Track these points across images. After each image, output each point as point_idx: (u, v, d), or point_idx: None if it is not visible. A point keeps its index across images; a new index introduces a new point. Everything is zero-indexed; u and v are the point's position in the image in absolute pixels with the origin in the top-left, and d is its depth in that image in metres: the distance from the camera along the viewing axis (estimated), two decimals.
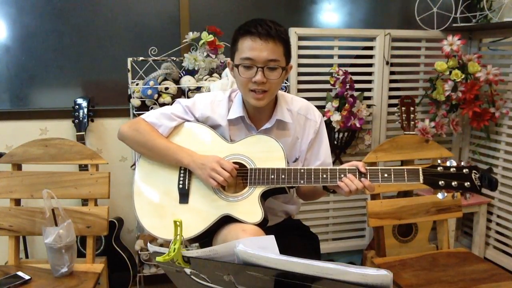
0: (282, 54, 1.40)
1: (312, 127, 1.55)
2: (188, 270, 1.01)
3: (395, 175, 1.34)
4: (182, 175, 1.47)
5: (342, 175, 1.36)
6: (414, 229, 2.44)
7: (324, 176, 1.37)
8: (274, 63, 1.38)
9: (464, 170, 1.30)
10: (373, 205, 1.87)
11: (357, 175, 1.35)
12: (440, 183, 1.31)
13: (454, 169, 1.31)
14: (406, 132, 2.35)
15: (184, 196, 1.45)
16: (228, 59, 1.49)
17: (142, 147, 1.50)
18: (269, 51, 1.36)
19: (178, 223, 1.00)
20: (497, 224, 2.64)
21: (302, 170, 1.39)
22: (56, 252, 1.57)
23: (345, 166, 1.38)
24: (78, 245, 2.08)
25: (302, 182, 1.38)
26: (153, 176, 1.50)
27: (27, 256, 2.34)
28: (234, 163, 1.41)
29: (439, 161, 1.34)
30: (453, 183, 1.30)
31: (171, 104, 1.73)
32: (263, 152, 1.43)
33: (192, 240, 1.46)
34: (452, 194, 1.32)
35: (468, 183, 1.29)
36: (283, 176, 1.39)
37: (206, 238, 1.44)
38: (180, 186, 1.46)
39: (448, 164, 1.32)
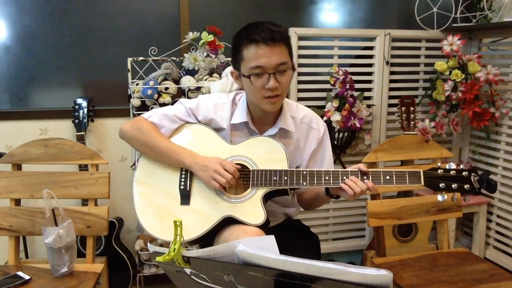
0: (288, 55, 1.39)
1: (315, 137, 1.54)
2: (188, 270, 1.01)
3: (396, 177, 1.35)
4: (183, 176, 1.47)
5: (345, 177, 1.36)
6: (414, 229, 2.44)
7: (327, 177, 1.37)
8: (283, 66, 1.37)
9: (464, 173, 1.32)
10: (373, 205, 1.87)
11: (359, 176, 1.35)
12: (440, 185, 1.32)
13: (454, 171, 1.33)
14: (406, 132, 2.35)
15: (185, 197, 1.44)
16: (231, 68, 1.46)
17: (144, 146, 1.50)
18: (277, 55, 1.35)
19: (178, 223, 1.00)
20: (497, 224, 2.64)
21: (304, 172, 1.39)
22: (56, 252, 1.56)
23: (348, 169, 1.38)
24: (78, 245, 2.08)
25: (304, 183, 1.38)
26: (153, 177, 1.49)
27: (27, 256, 2.34)
28: (236, 164, 1.41)
29: (439, 163, 1.36)
30: (453, 186, 1.32)
31: (171, 104, 1.72)
32: (265, 153, 1.43)
33: (194, 242, 1.44)
34: (452, 196, 1.34)
35: (468, 185, 1.31)
36: (285, 178, 1.39)
37: (208, 239, 1.43)
38: (182, 187, 1.45)
39: (447, 167, 1.34)
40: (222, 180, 1.36)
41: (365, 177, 1.35)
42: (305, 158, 1.55)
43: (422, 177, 1.34)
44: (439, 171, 1.33)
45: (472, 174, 1.32)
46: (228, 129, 1.50)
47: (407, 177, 1.34)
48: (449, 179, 1.32)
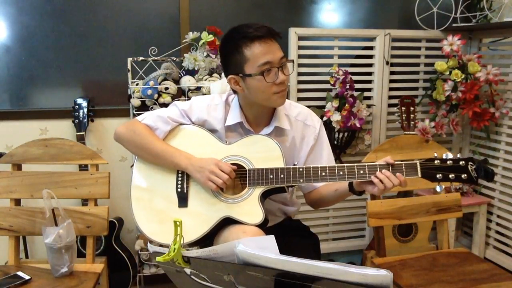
0: None
1: (311, 134, 1.54)
2: (188, 270, 1.01)
3: (393, 170, 1.34)
4: (180, 178, 1.46)
5: (341, 172, 1.36)
6: (414, 229, 2.44)
7: (323, 174, 1.37)
8: (285, 59, 1.39)
9: (461, 162, 1.32)
10: (373, 205, 1.87)
11: (356, 171, 1.35)
12: (437, 176, 1.32)
13: (450, 161, 1.32)
14: (406, 132, 2.35)
15: (183, 200, 1.44)
16: (231, 76, 1.40)
17: (139, 149, 1.49)
18: (279, 49, 1.38)
19: (178, 222, 1.00)
20: (497, 224, 2.64)
21: (301, 169, 1.39)
22: (56, 252, 1.56)
23: (344, 164, 1.38)
24: (78, 245, 2.08)
25: (301, 180, 1.38)
26: (150, 180, 1.49)
27: (27, 256, 2.34)
28: (232, 164, 1.41)
29: (435, 154, 1.35)
30: (450, 176, 1.32)
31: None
32: (261, 152, 1.43)
33: (193, 244, 1.44)
34: (449, 187, 1.34)
35: (465, 174, 1.31)
36: (282, 176, 1.39)
37: (207, 241, 1.43)
38: (179, 189, 1.45)
39: (444, 157, 1.34)
40: (219, 180, 1.36)
41: (361, 171, 1.35)
42: (303, 155, 1.55)
43: (419, 168, 1.34)
44: (435, 161, 1.33)
45: (469, 163, 1.31)
46: (223, 130, 1.50)
47: (404, 169, 1.34)
48: (446, 169, 1.32)
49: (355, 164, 1.36)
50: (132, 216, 1.46)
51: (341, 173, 1.36)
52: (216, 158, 1.42)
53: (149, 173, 1.50)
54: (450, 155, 1.33)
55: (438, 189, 1.33)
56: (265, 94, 1.39)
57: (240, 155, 1.44)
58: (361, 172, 1.35)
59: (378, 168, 1.34)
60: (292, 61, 1.44)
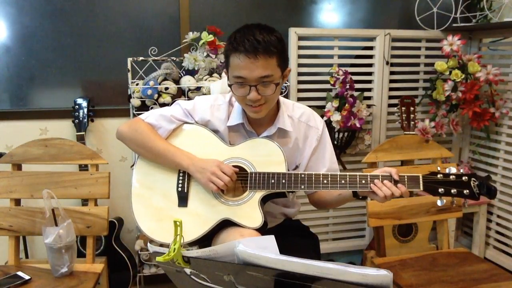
0: (276, 66, 1.34)
1: (314, 135, 1.54)
2: (188, 270, 1.01)
3: (395, 182, 1.33)
4: (181, 178, 1.46)
5: (343, 181, 1.35)
6: (414, 229, 2.44)
7: (325, 181, 1.36)
8: (267, 79, 1.33)
9: (463, 178, 1.30)
10: (373, 205, 1.87)
11: (358, 180, 1.34)
12: (439, 190, 1.31)
13: (453, 176, 1.31)
14: (406, 132, 2.34)
15: (183, 199, 1.44)
16: (225, 70, 1.47)
17: (141, 147, 1.49)
18: (260, 68, 1.31)
19: (178, 223, 1.00)
20: (497, 224, 2.64)
21: (302, 175, 1.38)
22: (56, 252, 1.57)
23: (346, 173, 1.37)
24: (78, 245, 2.08)
25: (302, 187, 1.38)
26: (151, 179, 1.49)
27: (27, 256, 2.34)
28: (234, 166, 1.40)
29: (438, 168, 1.35)
30: (452, 191, 1.30)
31: (171, 105, 1.72)
32: (263, 156, 1.42)
33: (191, 244, 1.44)
34: (451, 201, 1.33)
35: (467, 190, 1.30)
36: (283, 181, 1.38)
37: (205, 241, 1.43)
38: (179, 189, 1.45)
39: (447, 171, 1.33)
40: (220, 182, 1.36)
41: (363, 181, 1.34)
42: (305, 156, 1.54)
43: (421, 181, 1.32)
44: (438, 175, 1.32)
45: (472, 179, 1.30)
46: (226, 130, 1.50)
47: (406, 182, 1.33)
48: (448, 184, 1.31)
49: (358, 174, 1.35)
50: (131, 213, 1.46)
51: (342, 181, 1.35)
52: (218, 159, 1.42)
53: (150, 171, 1.50)
54: (454, 170, 1.32)
55: (439, 203, 1.32)
56: (240, 103, 1.43)
57: (243, 158, 1.44)
58: (363, 182, 1.34)
59: (380, 179, 1.33)
60: (276, 83, 1.35)
